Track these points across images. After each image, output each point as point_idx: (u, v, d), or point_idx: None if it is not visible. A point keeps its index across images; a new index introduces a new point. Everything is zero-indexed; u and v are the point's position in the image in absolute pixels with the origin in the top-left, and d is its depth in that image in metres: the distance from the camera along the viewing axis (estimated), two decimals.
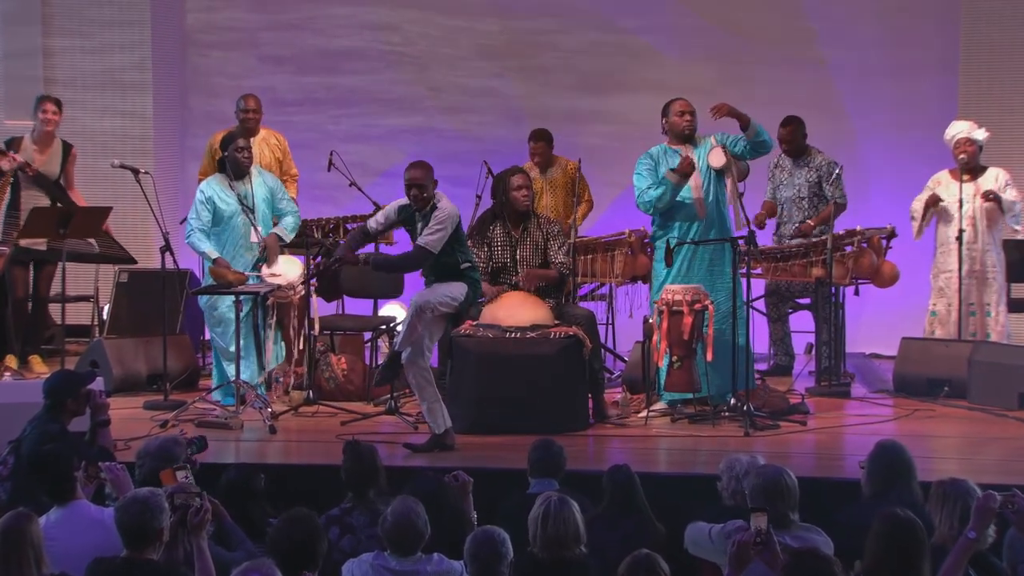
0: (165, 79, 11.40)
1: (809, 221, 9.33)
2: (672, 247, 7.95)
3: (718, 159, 7.97)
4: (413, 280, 9.10)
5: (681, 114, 8.10)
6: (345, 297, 9.65)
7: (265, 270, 8.28)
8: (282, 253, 8.47)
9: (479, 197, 9.35)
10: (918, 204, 9.22)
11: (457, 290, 7.19)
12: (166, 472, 5.08)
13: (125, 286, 10.12)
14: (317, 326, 8.46)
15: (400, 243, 8.27)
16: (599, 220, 10.49)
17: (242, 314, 8.09)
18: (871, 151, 10.94)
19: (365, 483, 5.47)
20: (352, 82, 11.51)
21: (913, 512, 4.64)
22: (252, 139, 8.93)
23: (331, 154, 9.19)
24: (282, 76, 11.41)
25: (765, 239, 9.38)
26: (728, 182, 8.06)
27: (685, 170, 7.96)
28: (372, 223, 7.42)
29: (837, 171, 9.23)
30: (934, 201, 9.14)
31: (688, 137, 8.09)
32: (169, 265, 8.34)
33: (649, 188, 8.05)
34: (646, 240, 9.32)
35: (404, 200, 7.25)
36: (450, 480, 5.53)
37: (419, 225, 7.23)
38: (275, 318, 8.27)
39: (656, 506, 5.61)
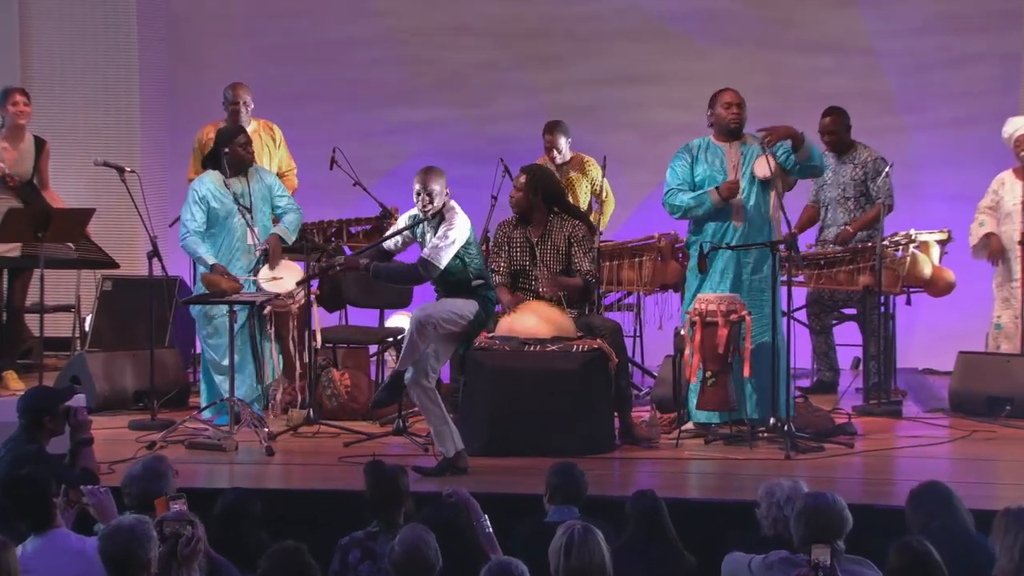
0: (152, 70, 11.44)
1: (848, 227, 9.30)
2: (706, 252, 7.93)
3: (762, 169, 7.92)
4: (422, 289, 9.11)
5: (728, 106, 8.05)
6: (348, 307, 9.67)
7: (266, 272, 8.29)
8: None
9: (495, 198, 9.36)
10: (979, 225, 9.13)
11: (466, 307, 7.18)
12: (160, 500, 5.10)
13: (109, 295, 10.15)
14: (319, 338, 8.46)
15: (409, 249, 8.25)
16: (626, 224, 10.49)
17: (238, 325, 8.11)
18: (924, 148, 10.92)
19: (389, 507, 5.48)
20: (355, 73, 11.53)
21: (965, 540, 4.63)
22: None
23: (333, 151, 9.20)
24: (278, 67, 11.43)
25: (804, 244, 9.37)
26: (773, 193, 8.01)
27: (728, 195, 7.91)
28: (388, 243, 7.43)
29: (886, 169, 9.20)
30: (987, 248, 9.10)
31: (735, 132, 8.05)
32: (157, 272, 8.36)
33: (679, 188, 8.00)
34: (677, 245, 9.31)
35: (413, 210, 7.28)
36: (447, 499, 5.53)
37: (427, 235, 7.24)
38: (273, 329, 8.28)
39: (688, 535, 5.61)
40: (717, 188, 7.92)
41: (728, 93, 8.09)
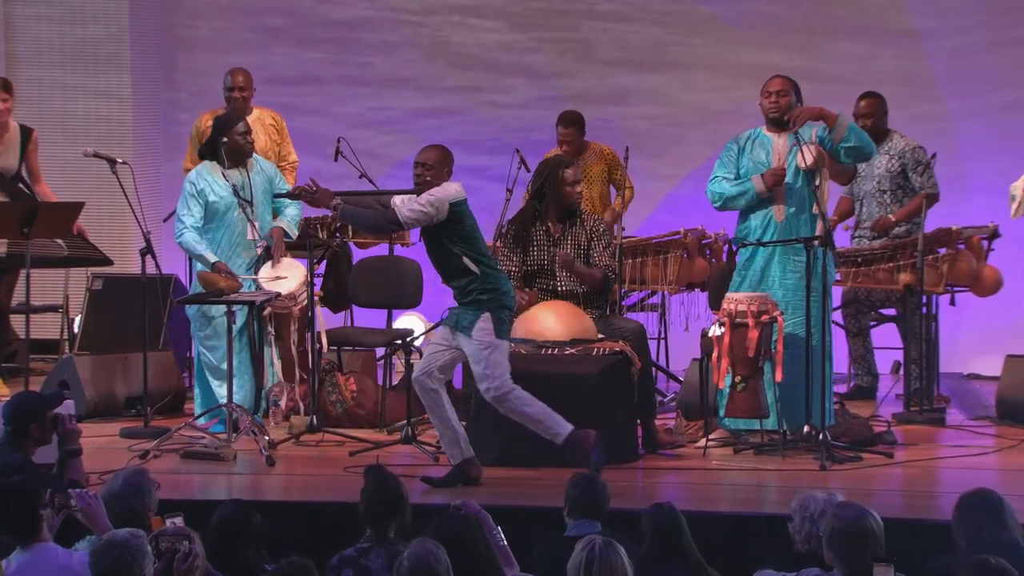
0: (145, 54, 11.46)
1: (890, 216, 9.27)
2: (735, 249, 7.94)
3: (806, 158, 7.90)
4: (432, 289, 9.12)
5: (768, 94, 8.02)
6: (354, 307, 9.68)
7: (267, 272, 8.31)
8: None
9: (510, 191, 9.36)
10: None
11: (485, 323, 7.18)
12: (156, 520, 5.12)
13: (99, 295, 10.14)
14: (325, 342, 8.48)
15: (419, 245, 8.28)
16: (649, 219, 10.49)
17: (236, 327, 8.12)
18: (969, 137, 10.90)
19: (386, 517, 5.50)
20: (362, 58, 11.55)
21: (1017, 556, 4.63)
22: None
23: (338, 141, 9.24)
24: (280, 51, 11.45)
25: (842, 240, 9.35)
26: (819, 182, 7.99)
27: (771, 183, 7.90)
28: (397, 199, 7.44)
29: (928, 158, 9.18)
30: None
31: (778, 121, 8.01)
32: (151, 270, 8.39)
33: (723, 178, 8.00)
34: (704, 241, 9.32)
35: None
36: (454, 509, 5.55)
37: None
38: (273, 331, 8.30)
39: (716, 551, 5.61)
40: (762, 175, 7.92)
41: (773, 81, 8.05)
